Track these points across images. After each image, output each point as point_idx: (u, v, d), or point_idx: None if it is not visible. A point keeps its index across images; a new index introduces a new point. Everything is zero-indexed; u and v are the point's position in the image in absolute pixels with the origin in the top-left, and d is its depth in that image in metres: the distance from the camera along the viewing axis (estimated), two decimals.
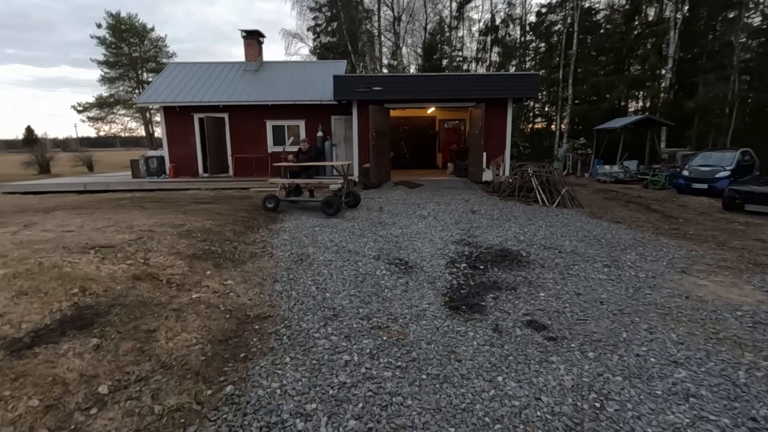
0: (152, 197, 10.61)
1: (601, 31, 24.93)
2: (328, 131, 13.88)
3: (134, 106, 36.09)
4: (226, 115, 13.93)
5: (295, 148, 13.97)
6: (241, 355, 3.06)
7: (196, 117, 13.91)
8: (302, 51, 35.04)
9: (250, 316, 3.70)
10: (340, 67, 15.37)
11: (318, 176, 10.17)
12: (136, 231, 5.79)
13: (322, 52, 30.00)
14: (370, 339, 3.35)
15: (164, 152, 14.06)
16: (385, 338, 3.36)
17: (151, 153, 14.42)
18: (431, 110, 16.07)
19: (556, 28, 26.63)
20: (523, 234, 6.77)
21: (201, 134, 14.02)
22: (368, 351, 3.17)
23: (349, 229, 7.18)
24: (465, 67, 31.52)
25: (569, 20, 23.68)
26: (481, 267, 5.18)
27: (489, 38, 30.78)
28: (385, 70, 30.78)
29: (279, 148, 14.09)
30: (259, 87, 14.31)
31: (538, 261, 5.40)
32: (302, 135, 14.12)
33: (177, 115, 13.92)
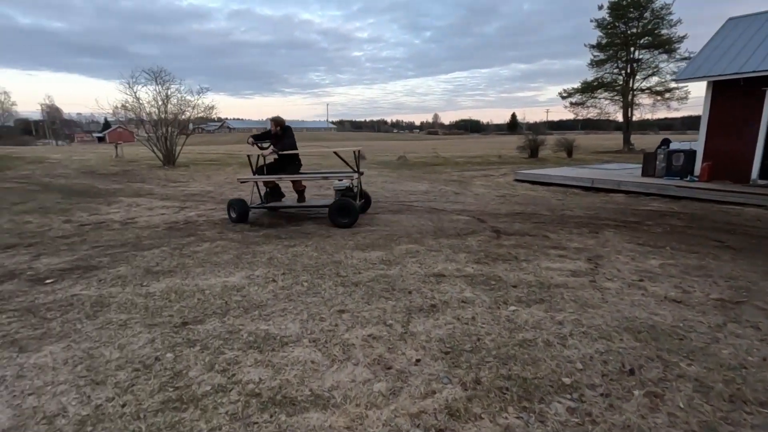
0: (697, 217, 7.31)
1: None
2: None
3: (671, 84, 31.51)
4: None
5: None
6: None
7: None
8: None
9: None
10: None
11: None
12: None
13: None
14: None
15: (698, 145, 10.32)
16: None
17: (676, 145, 11.06)
18: None
19: None
20: None
21: None
22: None
23: None
24: None
25: None
26: None
27: None
28: None
29: None
30: None
31: None
32: None
33: (732, 92, 9.67)
